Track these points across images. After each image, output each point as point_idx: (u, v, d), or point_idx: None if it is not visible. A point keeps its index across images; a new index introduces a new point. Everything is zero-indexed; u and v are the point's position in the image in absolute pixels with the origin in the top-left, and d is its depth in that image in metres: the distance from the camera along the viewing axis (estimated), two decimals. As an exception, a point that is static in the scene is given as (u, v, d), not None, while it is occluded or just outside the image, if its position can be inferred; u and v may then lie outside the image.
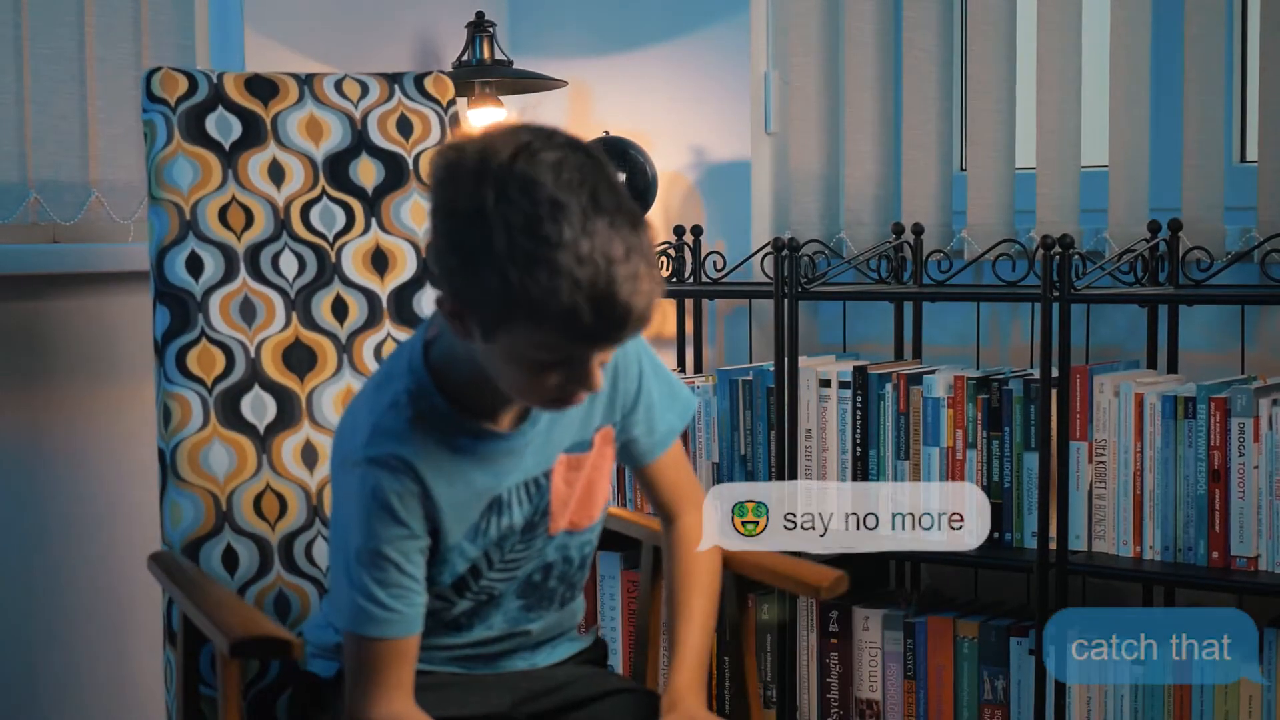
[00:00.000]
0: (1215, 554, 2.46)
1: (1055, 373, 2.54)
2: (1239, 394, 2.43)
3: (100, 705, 2.79)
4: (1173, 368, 2.70)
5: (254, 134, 2.16)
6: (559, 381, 1.59)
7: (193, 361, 2.07)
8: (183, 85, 2.13)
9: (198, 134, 2.12)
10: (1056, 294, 2.51)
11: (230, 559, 2.07)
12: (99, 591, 2.76)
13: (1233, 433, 2.43)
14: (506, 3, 3.43)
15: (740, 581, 2.06)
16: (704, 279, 3.11)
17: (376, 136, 2.25)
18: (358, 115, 2.24)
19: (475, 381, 1.68)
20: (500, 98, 3.22)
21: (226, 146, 2.13)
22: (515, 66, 3.23)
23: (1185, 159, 2.69)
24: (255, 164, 2.14)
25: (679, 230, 3.14)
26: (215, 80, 2.15)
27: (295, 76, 2.23)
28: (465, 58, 3.17)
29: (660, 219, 3.25)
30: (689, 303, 3.18)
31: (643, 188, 3.10)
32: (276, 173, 2.16)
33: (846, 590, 2.04)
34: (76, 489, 2.74)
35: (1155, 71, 2.77)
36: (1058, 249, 2.51)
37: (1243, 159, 2.85)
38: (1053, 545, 2.55)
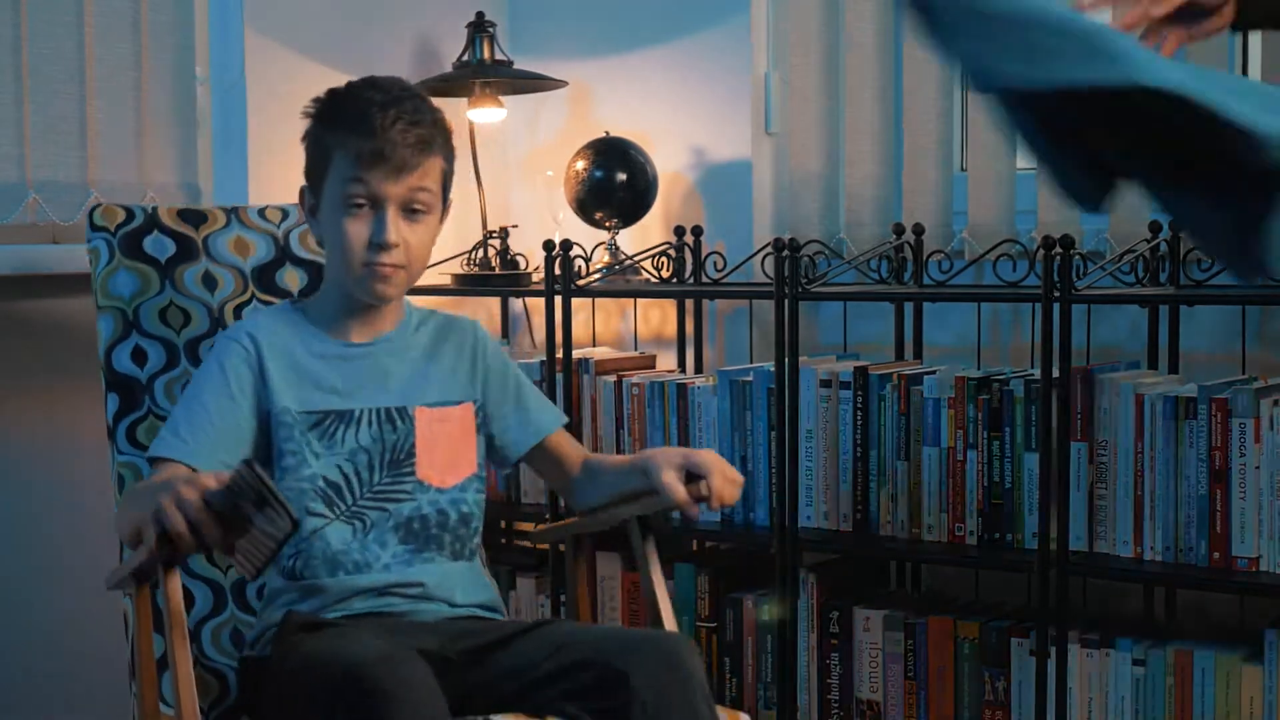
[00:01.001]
0: (1216, 554, 2.46)
1: (1056, 373, 2.54)
2: (1240, 394, 2.43)
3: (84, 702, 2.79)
4: (1173, 368, 2.70)
5: (187, 252, 2.37)
6: (366, 234, 2.02)
7: (142, 434, 2.26)
8: (120, 215, 2.34)
9: (137, 252, 2.33)
10: (1057, 294, 2.51)
11: (187, 600, 2.22)
12: (100, 592, 2.75)
13: (1234, 433, 2.43)
14: (507, 3, 3.43)
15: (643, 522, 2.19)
16: (704, 279, 3.11)
17: (299, 249, 2.45)
18: (280, 234, 2.45)
19: (328, 302, 2.13)
20: (500, 98, 3.22)
21: (163, 261, 2.34)
22: (516, 67, 3.23)
23: (1186, 159, 2.69)
24: (190, 275, 2.35)
25: (679, 231, 3.14)
26: (150, 211, 2.37)
27: (222, 208, 2.45)
28: (465, 58, 3.17)
29: (661, 219, 3.25)
30: (689, 303, 3.18)
31: (643, 188, 3.10)
32: (210, 281, 2.36)
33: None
34: (77, 488, 2.74)
35: (1156, 71, 2.76)
36: (1058, 249, 2.51)
37: (1244, 159, 2.85)
38: (1053, 546, 2.54)
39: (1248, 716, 2.44)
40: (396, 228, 2.02)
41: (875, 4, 2.99)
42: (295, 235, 2.45)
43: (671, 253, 3.13)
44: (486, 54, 3.15)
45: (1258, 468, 2.42)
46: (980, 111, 2.87)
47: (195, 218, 2.41)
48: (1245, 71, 2.82)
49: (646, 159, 3.11)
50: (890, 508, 2.74)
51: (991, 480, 2.64)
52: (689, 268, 3.14)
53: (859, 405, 2.75)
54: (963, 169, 3.02)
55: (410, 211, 2.04)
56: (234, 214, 2.43)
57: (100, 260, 2.31)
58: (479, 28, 3.16)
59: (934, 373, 2.71)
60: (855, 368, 2.76)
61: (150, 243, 2.34)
